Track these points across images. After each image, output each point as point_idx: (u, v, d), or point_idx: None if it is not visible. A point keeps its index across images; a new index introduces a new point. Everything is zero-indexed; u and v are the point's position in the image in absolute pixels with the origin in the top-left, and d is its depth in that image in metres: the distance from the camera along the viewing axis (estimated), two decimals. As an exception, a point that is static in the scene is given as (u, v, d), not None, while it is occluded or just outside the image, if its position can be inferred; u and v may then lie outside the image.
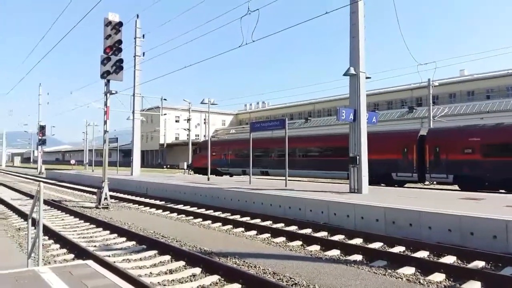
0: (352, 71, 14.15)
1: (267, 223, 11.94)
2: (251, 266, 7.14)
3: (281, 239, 9.63)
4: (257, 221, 12.26)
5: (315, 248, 8.76)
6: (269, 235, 10.12)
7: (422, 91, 50.63)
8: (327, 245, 8.87)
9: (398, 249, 8.62)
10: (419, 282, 6.30)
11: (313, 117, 67.20)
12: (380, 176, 21.26)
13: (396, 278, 6.49)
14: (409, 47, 15.03)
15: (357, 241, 9.43)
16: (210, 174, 25.29)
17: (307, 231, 10.67)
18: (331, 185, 19.74)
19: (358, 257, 7.89)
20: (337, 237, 9.80)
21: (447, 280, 6.49)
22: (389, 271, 6.85)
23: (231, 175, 33.33)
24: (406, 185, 22.57)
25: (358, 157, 14.05)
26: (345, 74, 14.29)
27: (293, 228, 11.09)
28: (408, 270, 6.91)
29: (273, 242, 9.35)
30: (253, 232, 10.53)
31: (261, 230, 10.67)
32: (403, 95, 61.56)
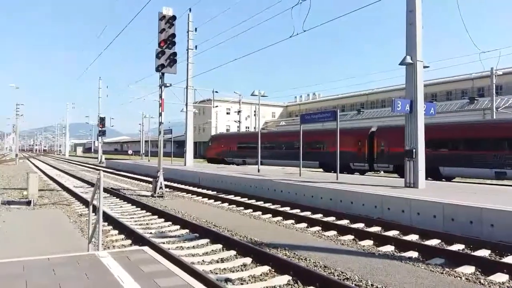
0: (408, 60, 13.54)
1: (318, 216, 11.82)
2: (302, 259, 7.10)
3: (332, 232, 9.48)
4: (307, 213, 12.18)
5: (367, 243, 8.54)
6: (319, 228, 10.01)
7: (484, 81, 47.42)
8: (380, 240, 8.61)
9: (457, 247, 8.20)
10: (480, 282, 5.96)
11: (366, 108, 65.33)
12: (341, 166, 21.64)
13: (454, 277, 6.17)
14: (471, 34, 14.13)
15: (413, 237, 9.08)
16: (218, 163, 30.85)
17: (359, 225, 10.43)
18: (385, 179, 19.15)
19: (413, 254, 7.59)
20: (391, 233, 9.49)
21: (510, 281, 6.08)
22: (447, 269, 6.53)
23: (237, 164, 37.48)
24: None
25: (414, 150, 13.48)
26: (401, 63, 13.71)
27: (344, 222, 10.89)
28: (468, 269, 6.55)
29: (324, 235, 9.24)
30: (304, 225, 10.47)
31: (312, 223, 10.58)
32: (463, 85, 58.06)
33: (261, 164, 34.55)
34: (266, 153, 34.63)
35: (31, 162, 55.40)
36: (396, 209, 10.99)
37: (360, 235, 9.08)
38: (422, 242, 8.44)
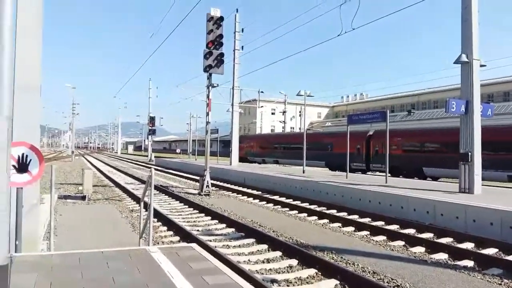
0: (464, 58, 12.87)
1: (366, 220, 11.50)
2: (349, 263, 6.92)
3: (381, 237, 9.18)
4: (354, 217, 11.88)
5: (419, 250, 8.18)
6: (368, 232, 9.72)
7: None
8: (432, 247, 8.23)
9: (517, 257, 7.67)
10: (545, 297, 5.52)
11: (417, 109, 62.96)
12: (341, 165, 25.84)
13: (515, 290, 5.77)
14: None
15: (468, 245, 8.60)
16: (241, 161, 33.48)
17: (410, 231, 10.02)
18: (437, 184, 18.35)
19: (468, 263, 7.18)
20: (445, 240, 9.04)
21: None
22: (506, 280, 6.12)
23: (258, 163, 40.92)
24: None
25: (470, 153, 12.78)
26: (456, 62, 13.06)
27: (394, 227, 10.51)
28: (530, 282, 6.10)
29: (373, 240, 8.97)
30: (351, 228, 10.22)
31: (359, 226, 10.31)
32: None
33: (277, 163, 40.66)
34: (280, 154, 40.83)
35: (85, 159, 58.36)
36: (449, 215, 10.46)
37: (411, 241, 8.72)
38: (478, 251, 7.97)
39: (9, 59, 2.93)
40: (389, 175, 24.56)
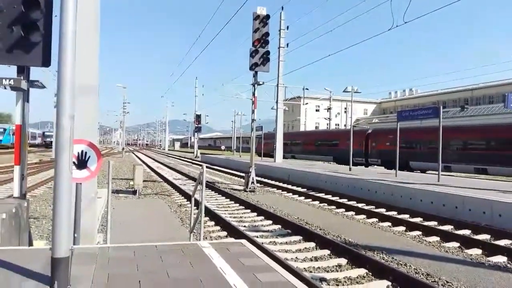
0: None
1: (417, 219, 11.09)
2: (401, 264, 6.71)
3: (435, 238, 8.82)
4: (405, 216, 11.49)
5: (475, 252, 7.79)
6: (419, 232, 9.37)
7: None
8: (490, 249, 7.80)
9: None
10: None
11: (471, 105, 59.86)
12: (346, 160, 28.01)
13: None
14: None
15: (529, 248, 8.07)
16: (265, 156, 37.03)
17: (465, 232, 9.56)
18: (492, 183, 17.38)
19: (530, 268, 6.74)
20: (503, 242, 8.54)
21: None
22: None
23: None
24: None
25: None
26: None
27: (447, 227, 10.06)
28: None
29: (425, 241, 8.63)
30: (401, 228, 9.90)
31: (410, 226, 9.96)
32: None
33: (294, 158, 44.16)
34: (298, 150, 45.58)
35: (135, 155, 60.61)
36: (509, 216, 9.86)
37: (467, 242, 8.31)
38: (542, 255, 7.46)
39: (71, 62, 3.08)
40: (383, 167, 29.69)
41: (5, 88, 4.79)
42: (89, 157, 4.87)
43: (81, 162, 4.85)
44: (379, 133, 34.05)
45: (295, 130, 73.23)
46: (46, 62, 4.81)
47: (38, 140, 76.11)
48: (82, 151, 4.87)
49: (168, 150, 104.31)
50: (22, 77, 4.87)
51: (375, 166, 32.52)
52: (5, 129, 56.34)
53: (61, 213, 3.09)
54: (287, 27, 29.71)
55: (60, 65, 3.06)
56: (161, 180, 20.91)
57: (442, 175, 15.69)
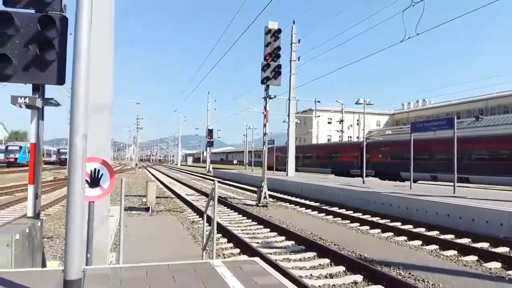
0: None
1: (434, 233, 10.86)
2: (418, 279, 6.54)
3: (452, 252, 8.61)
4: (421, 230, 11.27)
5: (494, 265, 7.57)
6: (436, 246, 9.16)
7: None
8: (509, 263, 7.57)
9: None
10: None
11: (486, 115, 59.02)
12: (344, 171, 35.41)
13: None
14: None
15: (551, 262, 7.82)
16: (269, 170, 34.16)
17: (484, 245, 9.32)
18: (506, 193, 16.98)
19: (554, 282, 6.51)
20: (524, 255, 8.29)
21: None
22: None
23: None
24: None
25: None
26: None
27: (465, 240, 9.82)
28: None
29: (442, 255, 8.43)
30: (418, 242, 9.69)
31: (427, 240, 9.74)
32: None
33: (297, 171, 40.73)
34: (300, 163, 44.54)
35: (148, 171, 60.97)
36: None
37: (485, 256, 8.10)
38: None
39: (84, 82, 3.11)
40: (376, 178, 31.65)
41: (21, 106, 4.86)
42: (102, 175, 4.88)
43: (94, 180, 4.86)
44: (373, 146, 35.70)
45: (303, 143, 73.01)
46: (60, 80, 4.88)
47: (53, 158, 77.08)
48: (95, 169, 4.89)
49: (181, 165, 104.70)
50: (37, 95, 4.94)
51: (372, 178, 34.16)
52: (21, 147, 57.25)
53: (73, 233, 3.08)
54: (299, 41, 29.87)
55: (74, 83, 3.09)
56: (174, 196, 20.92)
57: (430, 184, 15.42)
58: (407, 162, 29.75)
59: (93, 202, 4.90)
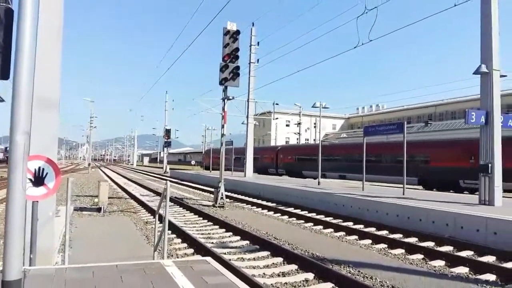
0: (483, 68, 12.66)
1: (383, 232, 11.28)
2: (367, 277, 6.76)
3: (400, 250, 8.98)
4: (371, 229, 11.67)
5: (439, 263, 7.97)
6: (385, 245, 9.52)
7: None
8: (453, 260, 8.00)
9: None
10: None
11: (434, 120, 62.07)
12: (264, 170, 44.03)
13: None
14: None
15: (489, 258, 8.35)
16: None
17: (429, 244, 9.78)
18: (456, 195, 17.97)
19: (490, 277, 6.95)
20: (465, 253, 8.79)
21: None
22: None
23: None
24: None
25: (490, 165, 12.49)
26: (475, 73, 12.86)
27: (412, 240, 10.28)
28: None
29: (391, 253, 8.77)
30: (368, 241, 10.03)
31: (377, 239, 10.10)
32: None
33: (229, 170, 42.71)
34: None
35: (102, 171, 59.00)
36: (470, 227, 10.19)
37: (431, 254, 8.50)
38: (501, 265, 7.72)
39: (27, 75, 2.97)
40: (287, 176, 38.18)
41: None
42: (47, 174, 4.69)
43: (38, 179, 4.65)
44: (285, 150, 45.79)
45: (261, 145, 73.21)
46: (4, 75, 4.63)
47: (0, 156, 72.91)
48: (39, 168, 4.68)
49: (137, 165, 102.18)
50: (-24, 91, 4.67)
51: (284, 176, 40.12)
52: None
53: (13, 233, 2.96)
54: (258, 43, 30.01)
55: (15, 77, 2.94)
56: (128, 196, 20.39)
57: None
58: (306, 163, 39.18)
59: (37, 201, 4.69)
